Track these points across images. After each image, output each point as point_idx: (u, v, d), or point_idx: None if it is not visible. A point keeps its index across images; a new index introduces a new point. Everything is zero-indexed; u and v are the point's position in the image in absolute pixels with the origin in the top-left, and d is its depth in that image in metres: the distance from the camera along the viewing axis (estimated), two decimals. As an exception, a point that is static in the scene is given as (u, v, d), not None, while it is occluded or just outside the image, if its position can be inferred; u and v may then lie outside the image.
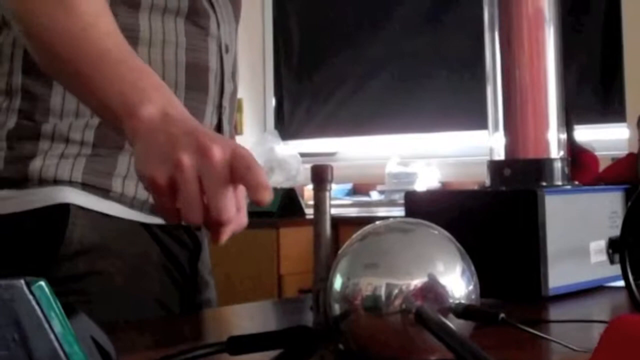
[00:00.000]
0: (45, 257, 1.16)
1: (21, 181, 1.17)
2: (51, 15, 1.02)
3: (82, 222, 1.17)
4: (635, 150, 3.68)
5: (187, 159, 0.85)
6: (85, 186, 1.18)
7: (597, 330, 0.64)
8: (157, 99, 0.93)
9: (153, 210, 1.23)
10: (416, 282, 0.74)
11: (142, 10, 1.20)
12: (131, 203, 1.21)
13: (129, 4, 1.19)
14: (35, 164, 1.17)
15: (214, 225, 0.87)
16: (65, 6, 1.02)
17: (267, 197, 0.84)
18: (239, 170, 0.85)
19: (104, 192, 1.19)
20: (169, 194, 0.87)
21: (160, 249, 1.25)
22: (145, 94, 0.93)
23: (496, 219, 1.20)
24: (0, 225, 1.17)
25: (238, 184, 0.87)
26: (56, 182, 1.17)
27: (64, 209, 1.17)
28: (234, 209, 0.86)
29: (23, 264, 1.16)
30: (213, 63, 1.28)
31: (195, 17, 1.25)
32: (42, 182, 1.17)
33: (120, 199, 1.20)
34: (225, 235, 0.89)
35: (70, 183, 1.17)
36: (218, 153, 0.85)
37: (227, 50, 1.31)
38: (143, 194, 1.21)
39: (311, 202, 0.84)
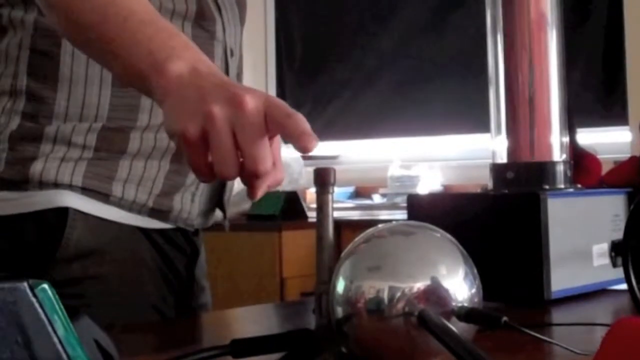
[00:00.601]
0: (42, 260, 1.16)
1: (21, 183, 1.17)
2: None
3: (80, 226, 1.17)
4: (638, 153, 3.67)
5: (217, 110, 0.81)
6: (85, 190, 1.18)
7: (600, 333, 0.64)
8: (187, 56, 0.90)
9: (152, 214, 1.23)
10: (419, 285, 0.73)
11: None
12: (130, 207, 1.21)
13: None
14: (36, 167, 1.17)
15: (250, 178, 0.83)
16: None
17: (313, 144, 0.80)
18: (277, 118, 0.81)
19: (104, 197, 1.19)
20: (202, 149, 0.83)
21: (157, 253, 1.25)
22: (175, 52, 0.90)
23: (499, 222, 1.20)
24: None
25: (273, 137, 0.83)
26: (56, 185, 1.17)
27: (63, 213, 1.17)
28: (271, 160, 0.83)
29: (21, 267, 1.16)
30: (218, 67, 1.28)
31: (202, 21, 1.25)
32: (43, 184, 1.17)
33: (120, 203, 1.20)
34: (261, 190, 0.86)
35: (71, 187, 1.17)
36: (251, 102, 0.81)
37: (232, 54, 1.31)
38: (142, 198, 1.21)
39: (313, 205, 0.84)
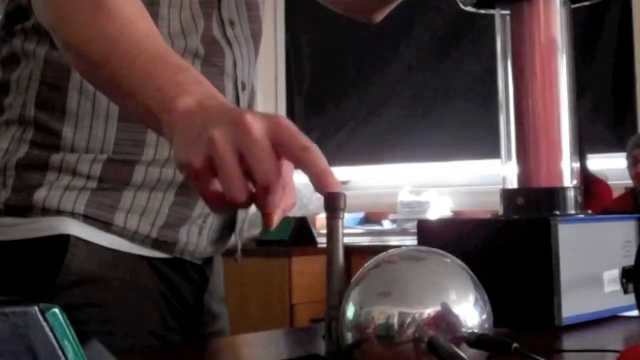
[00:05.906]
0: (43, 286, 1.16)
1: (25, 209, 1.18)
2: (86, 21, 1.00)
3: (81, 253, 1.17)
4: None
5: (218, 134, 0.80)
6: (87, 218, 1.18)
7: None
8: (195, 91, 0.89)
9: (155, 245, 1.23)
10: (429, 311, 0.73)
11: None
12: (132, 237, 1.21)
13: None
14: (40, 194, 1.18)
15: (262, 198, 0.81)
16: (101, 11, 1.00)
17: (335, 186, 0.79)
18: (288, 146, 0.80)
19: (106, 225, 1.19)
20: (208, 177, 0.82)
21: (160, 280, 1.25)
22: (184, 87, 0.90)
23: (509, 248, 1.20)
24: (1, 251, 1.17)
25: (281, 159, 0.82)
26: (59, 212, 1.17)
27: (64, 240, 1.17)
28: (279, 173, 0.80)
29: (21, 292, 1.16)
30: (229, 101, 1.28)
31: (212, 57, 1.25)
32: (45, 211, 1.17)
33: (122, 233, 1.20)
34: (276, 216, 0.84)
35: (73, 215, 1.18)
36: (253, 122, 0.80)
37: (243, 88, 1.31)
38: (145, 229, 1.21)
39: (323, 231, 0.83)
